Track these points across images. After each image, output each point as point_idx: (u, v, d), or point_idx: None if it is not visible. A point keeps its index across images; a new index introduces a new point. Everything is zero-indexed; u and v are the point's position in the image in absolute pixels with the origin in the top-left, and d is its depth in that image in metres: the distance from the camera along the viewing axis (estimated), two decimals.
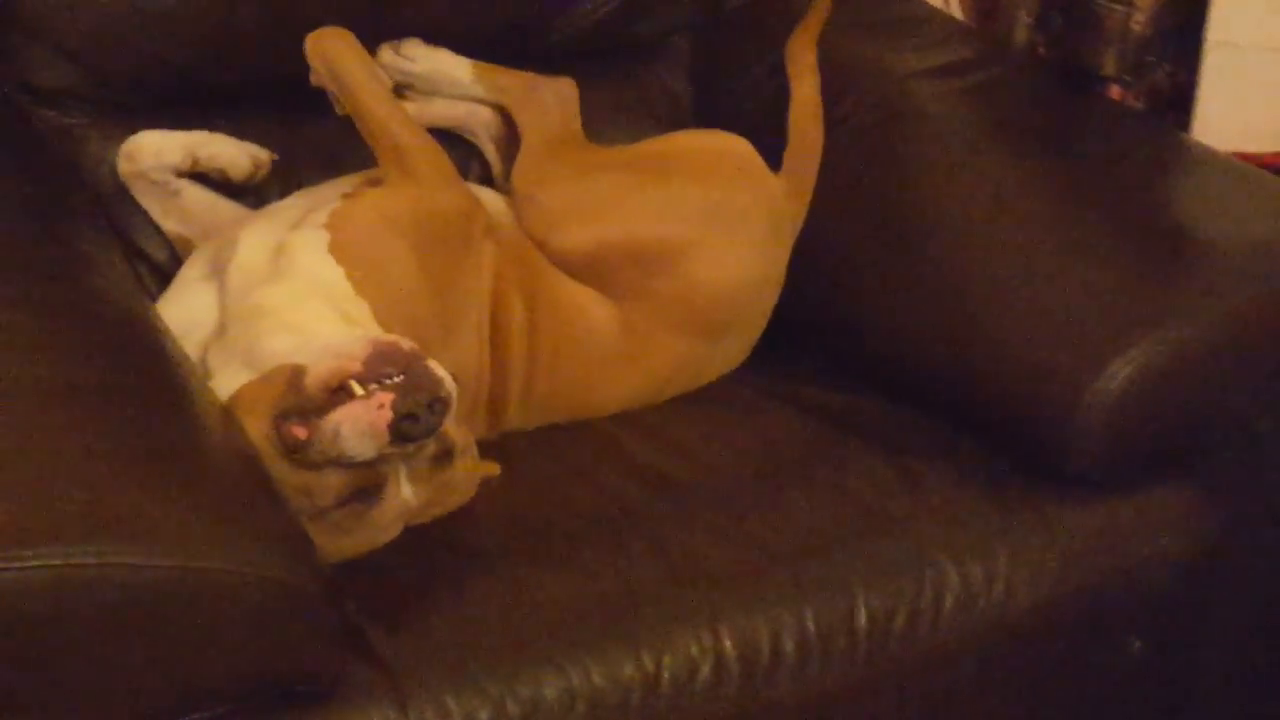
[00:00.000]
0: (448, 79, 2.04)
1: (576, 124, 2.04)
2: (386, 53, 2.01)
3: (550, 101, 2.03)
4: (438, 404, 1.49)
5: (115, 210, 1.91)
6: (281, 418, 1.51)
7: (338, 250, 1.71)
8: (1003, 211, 1.88)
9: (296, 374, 1.53)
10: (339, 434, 1.48)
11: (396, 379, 1.49)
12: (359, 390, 1.49)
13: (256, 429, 1.52)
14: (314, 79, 1.88)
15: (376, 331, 1.65)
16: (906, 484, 1.71)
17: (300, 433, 1.50)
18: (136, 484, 1.30)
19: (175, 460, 1.36)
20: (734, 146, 2.01)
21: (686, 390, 1.94)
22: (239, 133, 1.96)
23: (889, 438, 1.79)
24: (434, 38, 2.03)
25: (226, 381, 1.60)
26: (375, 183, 1.86)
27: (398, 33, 2.01)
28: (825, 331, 2.00)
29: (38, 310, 1.50)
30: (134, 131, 1.90)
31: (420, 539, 1.58)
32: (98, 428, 1.35)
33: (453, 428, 1.57)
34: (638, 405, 1.91)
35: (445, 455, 1.57)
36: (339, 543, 1.54)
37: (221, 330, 1.69)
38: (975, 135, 2.02)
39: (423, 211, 1.80)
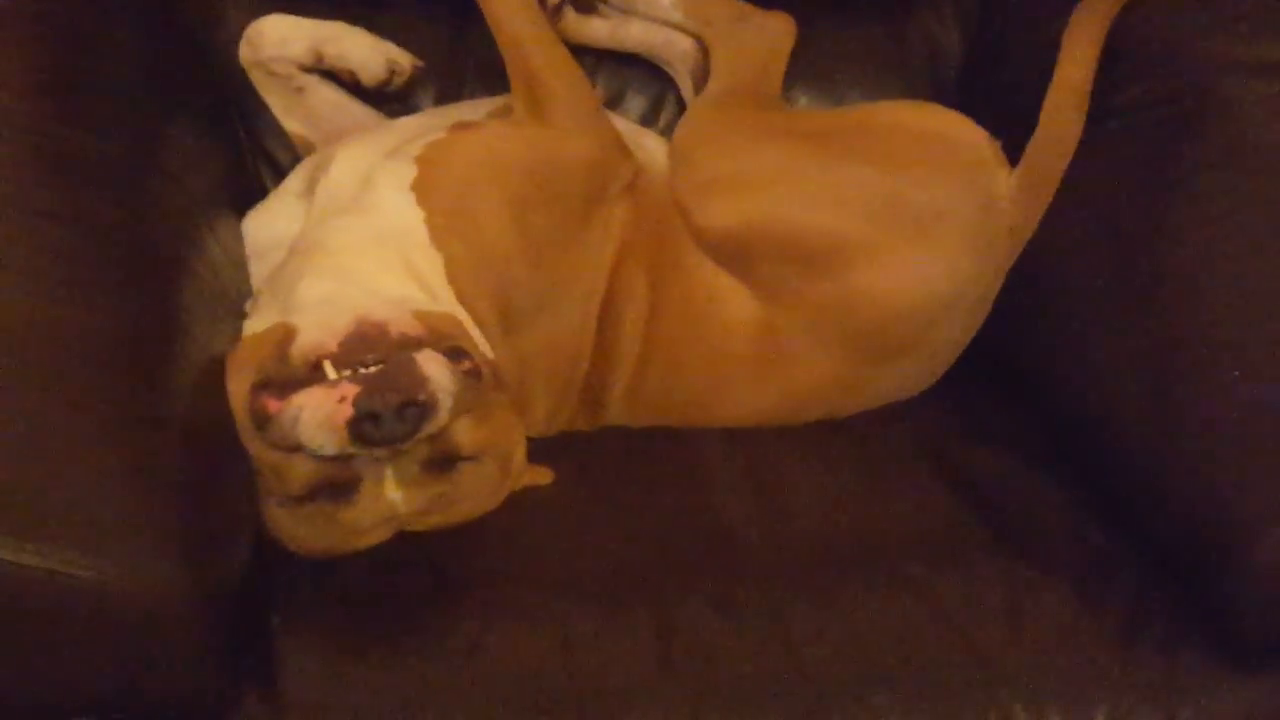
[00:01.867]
0: None
1: (776, 77, 1.72)
2: None
3: (754, 42, 1.72)
4: (411, 409, 1.25)
5: (244, 101, 1.73)
6: (260, 386, 1.31)
7: (422, 190, 1.48)
8: (1269, 267, 1.44)
9: (288, 337, 1.32)
10: (298, 420, 1.27)
11: (371, 369, 1.26)
12: (331, 373, 1.27)
13: (238, 394, 1.33)
14: None
15: (445, 294, 1.43)
16: (1012, 602, 1.33)
17: (272, 406, 1.29)
18: (31, 459, 1.13)
19: (94, 436, 1.17)
20: (954, 129, 1.62)
21: (832, 416, 1.62)
22: (404, 31, 1.75)
23: (1029, 534, 1.42)
24: None
25: (254, 324, 1.41)
26: (504, 113, 1.61)
27: None
28: (1017, 373, 1.63)
29: (65, 227, 1.29)
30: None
31: (405, 549, 1.35)
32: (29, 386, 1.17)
33: (464, 429, 1.33)
34: (766, 423, 1.60)
35: (445, 461, 1.33)
36: (309, 537, 1.34)
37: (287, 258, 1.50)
38: None
39: (539, 158, 1.54)
